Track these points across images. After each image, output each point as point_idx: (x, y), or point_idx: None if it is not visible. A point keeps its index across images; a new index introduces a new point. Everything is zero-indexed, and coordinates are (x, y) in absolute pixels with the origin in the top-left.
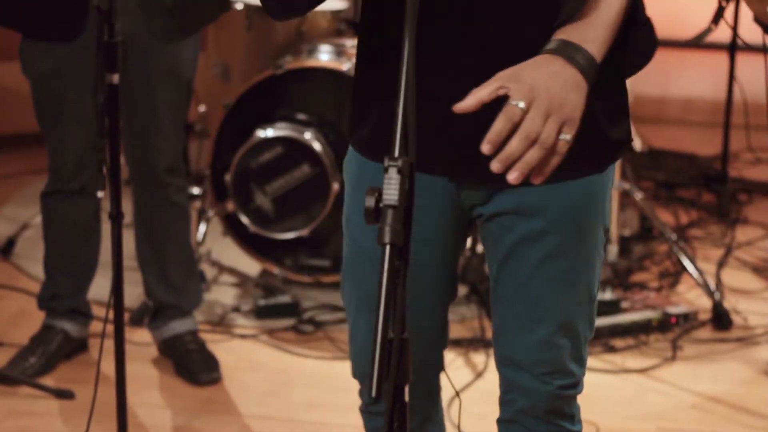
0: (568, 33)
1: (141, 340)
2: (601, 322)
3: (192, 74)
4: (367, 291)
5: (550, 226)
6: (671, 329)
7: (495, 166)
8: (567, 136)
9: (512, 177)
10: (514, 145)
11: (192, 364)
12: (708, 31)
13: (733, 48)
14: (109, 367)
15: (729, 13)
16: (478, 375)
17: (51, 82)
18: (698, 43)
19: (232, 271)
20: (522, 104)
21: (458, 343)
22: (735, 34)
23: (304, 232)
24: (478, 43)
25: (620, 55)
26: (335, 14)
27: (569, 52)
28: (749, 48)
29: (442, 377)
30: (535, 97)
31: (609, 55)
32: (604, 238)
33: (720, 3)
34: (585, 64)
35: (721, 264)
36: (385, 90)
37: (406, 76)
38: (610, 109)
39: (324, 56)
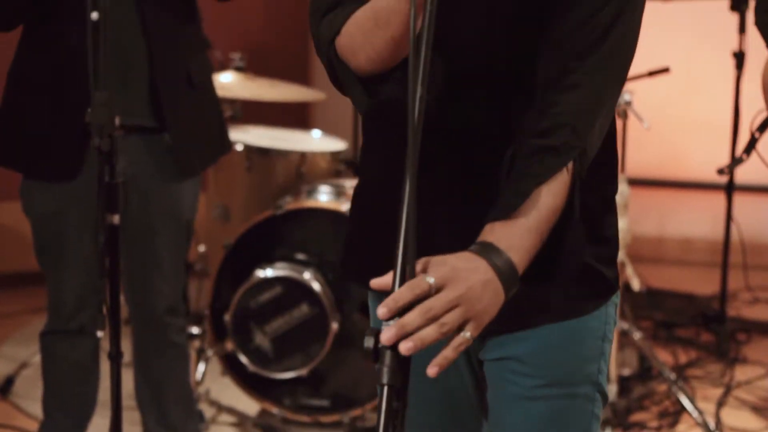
0: (495, 235)
1: None
2: None
3: (192, 215)
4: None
5: (528, 369)
6: None
7: (386, 335)
8: (468, 333)
9: (404, 347)
10: (411, 316)
11: None
12: (740, 160)
13: (730, 188)
14: None
15: (725, 153)
16: None
17: (51, 221)
18: (730, 171)
19: (231, 410)
20: (431, 280)
21: None
22: (732, 174)
23: (303, 372)
24: (460, 197)
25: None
26: (334, 155)
27: (492, 256)
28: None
29: None
30: (452, 280)
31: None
32: (596, 397)
33: (752, 134)
34: (506, 271)
35: (720, 403)
36: (378, 223)
37: (406, 220)
38: (597, 255)
39: (323, 197)
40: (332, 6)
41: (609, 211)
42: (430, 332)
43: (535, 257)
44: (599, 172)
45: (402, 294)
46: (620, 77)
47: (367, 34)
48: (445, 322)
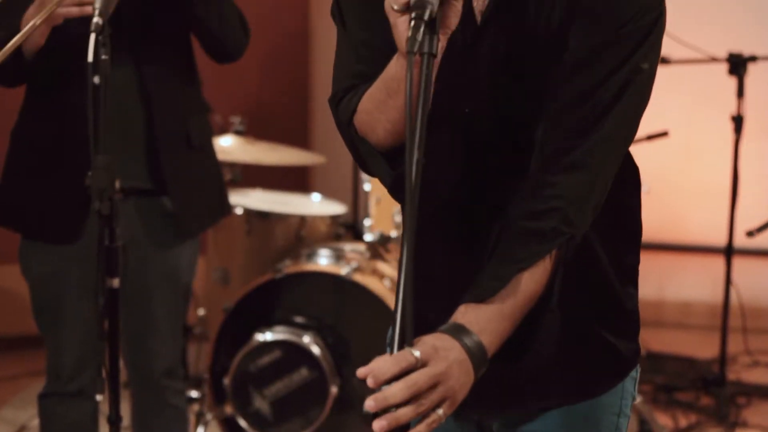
0: (467, 318)
1: None
2: None
3: (190, 278)
4: None
5: None
6: None
7: (369, 403)
8: (441, 411)
9: (377, 426)
10: (396, 390)
11: None
12: None
13: (729, 252)
14: None
15: (724, 217)
16: None
17: (50, 284)
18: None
19: None
20: (417, 353)
21: None
22: (731, 238)
23: None
24: (464, 268)
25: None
26: (334, 219)
27: (464, 338)
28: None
29: None
30: (433, 357)
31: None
32: None
33: None
34: (476, 353)
35: None
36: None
37: (404, 292)
38: (610, 331)
39: (323, 260)
40: (348, 90)
41: (629, 282)
42: (407, 412)
43: (506, 342)
44: (616, 239)
45: (388, 366)
46: (621, 154)
47: (381, 105)
48: (423, 402)
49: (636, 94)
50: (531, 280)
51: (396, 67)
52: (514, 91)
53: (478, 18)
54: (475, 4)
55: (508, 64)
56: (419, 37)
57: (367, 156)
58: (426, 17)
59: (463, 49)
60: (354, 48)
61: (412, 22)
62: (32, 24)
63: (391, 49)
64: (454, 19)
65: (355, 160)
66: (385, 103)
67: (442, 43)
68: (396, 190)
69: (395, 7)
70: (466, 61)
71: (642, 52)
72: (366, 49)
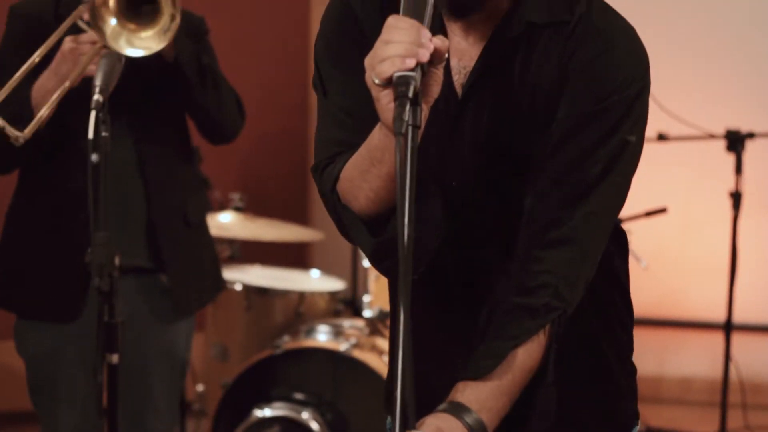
0: (466, 396)
1: None
2: None
3: (187, 354)
4: None
5: None
6: None
7: None
8: None
9: None
10: None
11: None
12: None
13: (728, 327)
14: None
15: (723, 292)
16: None
17: (47, 362)
18: None
19: None
20: None
21: None
22: (730, 314)
23: None
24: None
25: (524, 414)
26: (333, 295)
27: (465, 416)
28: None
29: None
30: None
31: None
32: None
33: None
34: (477, 431)
35: None
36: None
37: (403, 363)
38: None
39: (322, 336)
40: (331, 160)
41: (623, 352)
42: None
43: (504, 417)
44: (609, 307)
45: None
46: (609, 226)
47: (364, 174)
48: None
49: (623, 166)
50: (526, 356)
51: (379, 136)
52: (499, 162)
53: (459, 92)
54: (455, 78)
55: (492, 136)
56: (405, 116)
57: (350, 223)
58: (410, 94)
59: (446, 123)
60: (335, 116)
61: (397, 101)
62: (58, 94)
63: (372, 116)
64: (435, 87)
65: (337, 228)
66: (368, 172)
67: (425, 113)
68: (376, 259)
69: (377, 82)
70: (451, 133)
71: (628, 124)
72: (347, 116)
